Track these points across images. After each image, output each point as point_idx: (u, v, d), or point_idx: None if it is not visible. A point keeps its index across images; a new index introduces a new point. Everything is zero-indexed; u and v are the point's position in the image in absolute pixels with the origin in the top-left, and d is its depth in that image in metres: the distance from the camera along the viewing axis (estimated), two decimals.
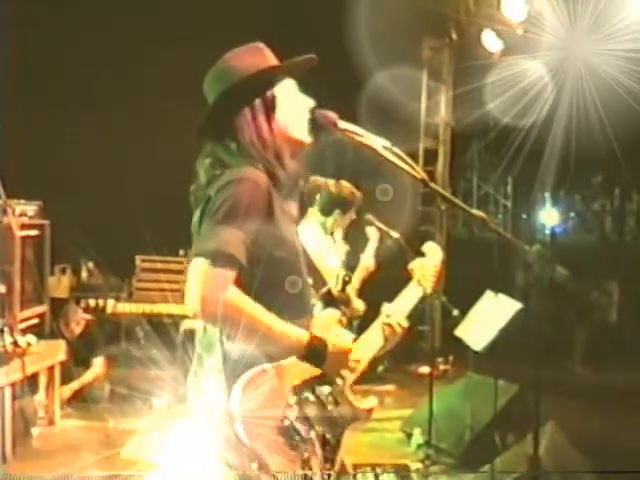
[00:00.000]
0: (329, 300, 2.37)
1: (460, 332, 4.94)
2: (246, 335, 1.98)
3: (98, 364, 6.35)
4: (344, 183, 4.52)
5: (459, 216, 11.27)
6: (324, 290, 2.37)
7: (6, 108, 6.62)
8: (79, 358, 6.29)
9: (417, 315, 2.64)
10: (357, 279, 4.67)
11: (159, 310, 6.63)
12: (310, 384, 2.11)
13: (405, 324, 2.42)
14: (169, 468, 4.28)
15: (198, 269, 1.96)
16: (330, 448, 2.12)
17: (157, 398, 5.98)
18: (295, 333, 2.06)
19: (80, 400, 6.11)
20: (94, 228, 6.55)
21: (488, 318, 4.69)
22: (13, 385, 5.00)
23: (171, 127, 5.68)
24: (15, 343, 4.98)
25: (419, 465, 4.95)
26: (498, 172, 12.95)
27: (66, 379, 6.00)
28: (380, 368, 7.20)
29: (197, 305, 1.93)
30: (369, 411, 2.27)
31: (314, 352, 2.08)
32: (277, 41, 2.30)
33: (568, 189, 14.98)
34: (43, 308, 6.27)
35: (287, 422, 2.02)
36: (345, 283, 4.44)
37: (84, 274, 7.60)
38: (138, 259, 7.25)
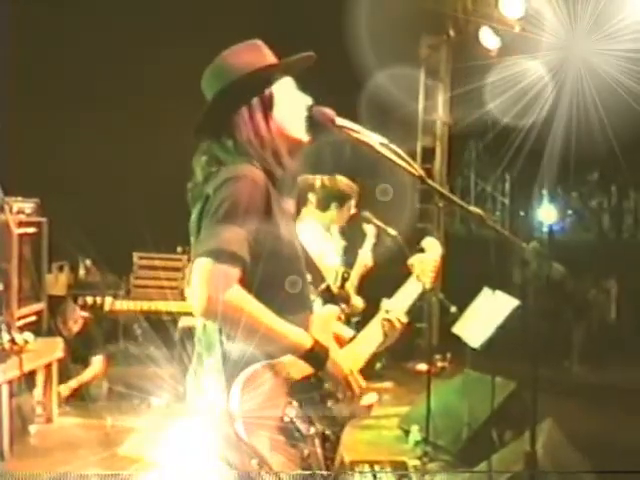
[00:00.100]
0: (328, 297, 2.37)
1: (457, 329, 4.94)
2: (246, 335, 1.97)
3: (97, 363, 6.33)
4: (339, 177, 4.45)
5: (457, 213, 11.25)
6: (323, 286, 2.37)
7: (6, 108, 6.62)
8: (77, 356, 6.26)
9: (415, 312, 2.64)
10: (355, 276, 4.65)
11: (157, 307, 6.62)
12: (310, 381, 2.10)
13: (404, 320, 2.41)
14: (168, 466, 4.28)
15: (202, 269, 1.94)
16: (330, 445, 2.12)
17: (155, 396, 5.97)
18: (297, 336, 2.05)
19: (78, 398, 6.09)
20: (92, 226, 6.54)
21: (485, 315, 4.69)
22: (10, 383, 4.98)
23: (169, 126, 5.68)
24: (12, 340, 4.98)
25: (417, 462, 4.96)
26: (496, 170, 12.97)
27: (64, 377, 5.98)
28: (378, 365, 7.20)
29: (203, 305, 1.92)
30: (369, 407, 2.26)
31: (315, 358, 2.07)
32: (276, 40, 2.29)
33: (566, 187, 15.00)
34: (40, 306, 6.27)
35: (287, 420, 2.02)
36: (344, 280, 4.43)
37: (82, 271, 7.60)
38: (136, 256, 7.22)
